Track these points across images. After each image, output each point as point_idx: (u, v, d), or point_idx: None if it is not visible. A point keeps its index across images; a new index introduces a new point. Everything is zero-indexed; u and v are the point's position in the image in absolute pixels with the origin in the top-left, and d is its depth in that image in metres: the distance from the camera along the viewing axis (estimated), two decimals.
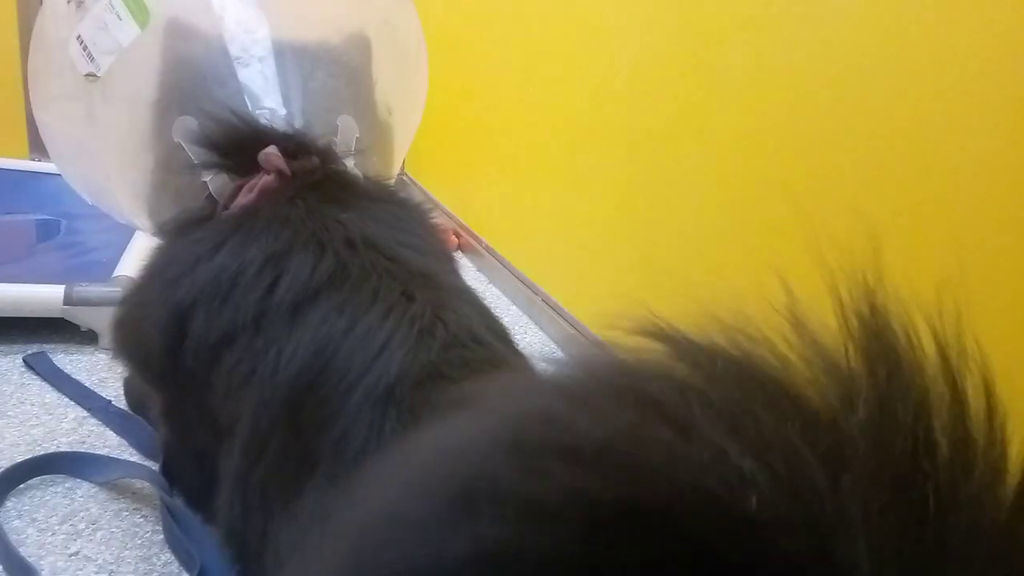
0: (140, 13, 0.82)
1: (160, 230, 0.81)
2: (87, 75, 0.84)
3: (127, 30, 0.82)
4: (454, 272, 0.78)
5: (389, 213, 0.78)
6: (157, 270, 0.76)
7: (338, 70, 0.89)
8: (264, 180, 0.76)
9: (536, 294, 1.35)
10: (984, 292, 0.63)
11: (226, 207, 0.78)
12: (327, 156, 0.81)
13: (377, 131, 0.92)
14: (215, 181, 0.79)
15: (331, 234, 0.70)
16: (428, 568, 0.27)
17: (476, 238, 1.61)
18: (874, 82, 0.74)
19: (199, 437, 0.76)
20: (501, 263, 1.49)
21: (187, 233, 0.77)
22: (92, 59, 0.83)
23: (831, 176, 0.80)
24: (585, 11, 1.21)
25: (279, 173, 0.76)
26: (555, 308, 1.29)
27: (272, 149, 0.77)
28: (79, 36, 0.84)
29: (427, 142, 1.85)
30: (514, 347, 0.70)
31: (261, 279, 0.67)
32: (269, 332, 0.66)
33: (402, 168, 1.89)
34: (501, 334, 0.70)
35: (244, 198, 0.76)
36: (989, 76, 0.64)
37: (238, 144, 0.78)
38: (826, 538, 0.25)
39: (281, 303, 0.66)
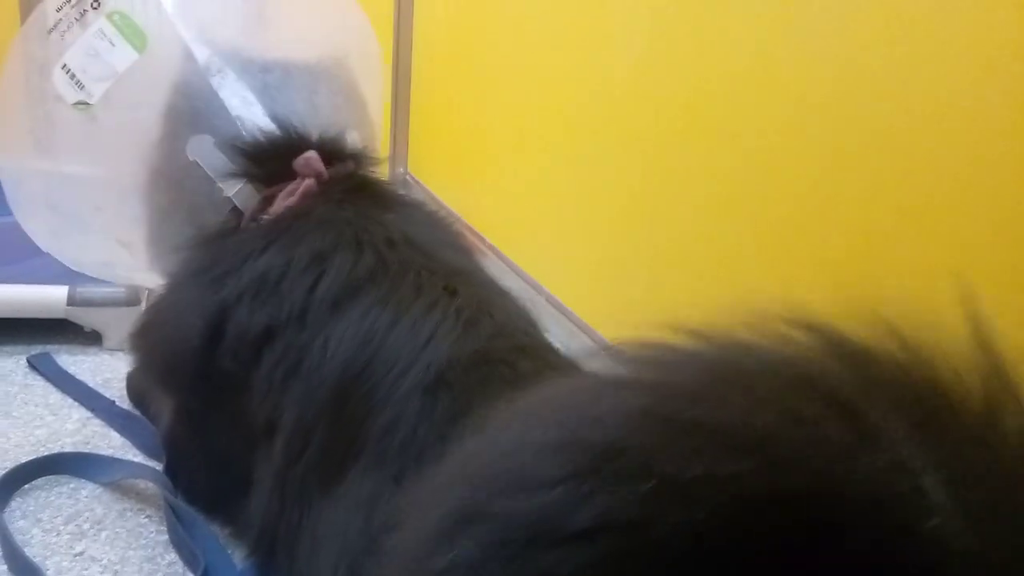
0: (136, 38, 0.82)
1: (186, 244, 0.81)
2: (76, 103, 0.83)
3: (122, 55, 0.82)
4: (484, 270, 0.79)
5: (424, 215, 0.80)
6: (193, 274, 0.77)
7: (338, 87, 0.91)
8: (306, 184, 0.78)
9: (540, 294, 1.35)
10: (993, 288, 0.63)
11: (253, 218, 0.79)
12: (360, 161, 0.83)
13: (373, 147, 0.93)
14: (241, 193, 0.81)
15: (373, 234, 0.72)
16: (548, 531, 0.25)
17: (479, 238, 1.61)
18: (884, 76, 0.74)
19: (225, 442, 0.76)
20: (505, 263, 1.49)
21: (217, 243, 0.78)
22: (82, 87, 0.82)
23: (842, 172, 0.80)
24: (589, 8, 1.21)
25: (317, 177, 0.78)
26: (559, 308, 1.29)
27: (312, 154, 0.79)
28: (64, 65, 0.83)
29: (430, 141, 1.85)
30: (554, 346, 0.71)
31: (306, 275, 0.69)
32: (312, 328, 0.67)
33: (405, 168, 1.89)
34: (541, 332, 0.71)
35: (283, 203, 0.77)
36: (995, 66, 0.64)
37: (271, 153, 0.80)
38: None
39: (323, 299, 0.68)
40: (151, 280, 1.02)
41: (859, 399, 0.26)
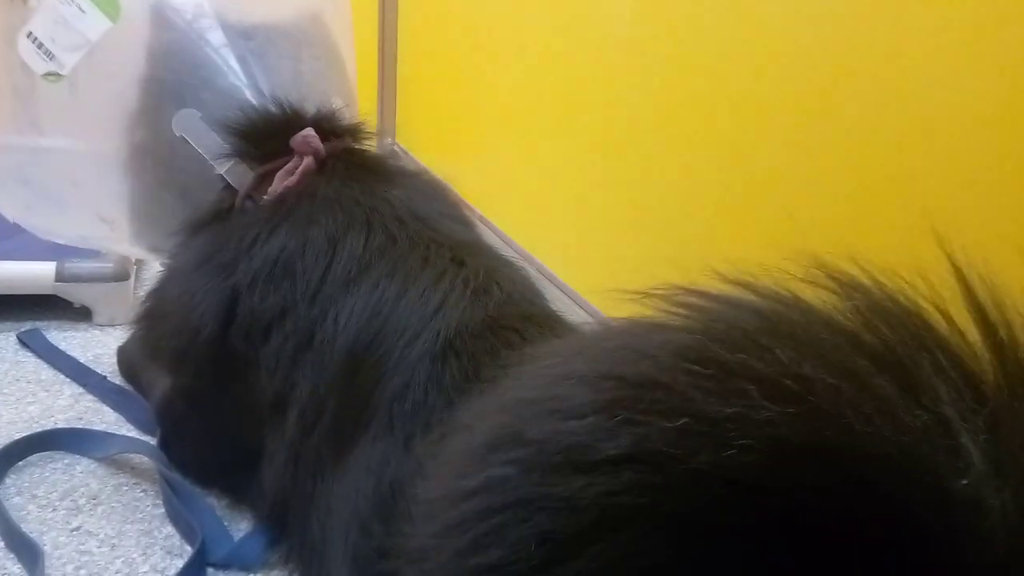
0: (108, 5, 0.79)
1: (182, 226, 0.80)
2: (47, 75, 0.81)
3: (94, 23, 0.79)
4: (488, 243, 0.80)
5: (426, 187, 0.80)
6: (199, 259, 0.76)
7: (318, 52, 0.89)
8: (306, 163, 0.77)
9: (531, 265, 1.34)
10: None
11: (249, 196, 0.78)
12: (356, 135, 0.83)
13: (355, 114, 0.92)
14: (234, 171, 0.80)
15: (382, 212, 0.73)
16: (578, 457, 0.26)
17: (469, 208, 1.60)
18: (872, 40, 0.74)
19: (230, 418, 0.77)
20: (495, 233, 1.49)
21: (216, 225, 0.78)
22: (52, 57, 0.80)
23: (829, 133, 0.79)
24: None
25: (315, 155, 0.77)
26: (550, 279, 1.29)
27: (309, 131, 0.78)
28: (30, 33, 0.80)
29: (418, 112, 1.83)
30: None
31: (321, 257, 0.69)
32: (325, 303, 0.68)
33: (393, 139, 1.88)
34: (545, 301, 0.72)
35: (283, 182, 0.76)
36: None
37: (266, 130, 0.79)
38: None
39: (336, 278, 0.68)
40: (133, 252, 1.01)
41: (908, 355, 0.26)
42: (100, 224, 0.90)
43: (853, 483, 0.24)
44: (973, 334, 0.27)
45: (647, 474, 0.25)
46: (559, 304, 1.25)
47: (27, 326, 1.13)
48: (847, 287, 0.28)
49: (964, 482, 0.23)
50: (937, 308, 0.28)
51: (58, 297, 1.14)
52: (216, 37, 0.81)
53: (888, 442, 0.24)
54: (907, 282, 0.28)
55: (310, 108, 0.81)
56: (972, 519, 0.23)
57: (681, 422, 0.25)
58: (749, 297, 0.30)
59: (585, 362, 0.30)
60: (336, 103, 0.86)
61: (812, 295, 0.29)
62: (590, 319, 1.16)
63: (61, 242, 0.98)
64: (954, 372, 0.25)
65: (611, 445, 0.25)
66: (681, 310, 0.31)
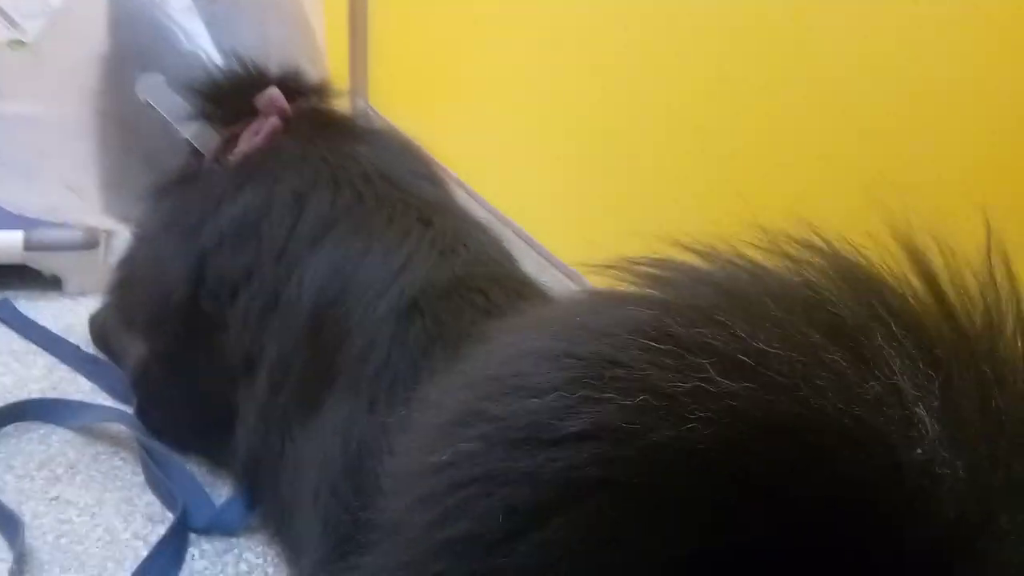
0: None
1: (149, 191, 0.79)
2: (11, 42, 0.79)
3: None
4: (459, 203, 0.79)
5: (396, 145, 0.79)
6: (166, 223, 0.76)
7: (284, 16, 0.88)
8: (271, 122, 0.76)
9: (508, 227, 1.34)
10: None
11: (216, 159, 0.77)
12: (322, 94, 0.82)
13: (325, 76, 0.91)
14: (200, 134, 0.78)
15: (348, 170, 0.72)
16: (541, 433, 0.26)
17: (441, 168, 1.59)
18: (846, 14, 0.74)
19: (205, 380, 0.77)
20: (472, 196, 1.48)
21: (183, 188, 0.77)
22: (14, 24, 0.78)
23: (797, 102, 0.80)
24: None
25: (281, 114, 0.76)
26: (528, 241, 1.29)
27: (274, 91, 0.77)
28: None
29: (391, 72, 1.80)
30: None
31: (287, 215, 0.69)
32: (290, 262, 0.67)
33: (365, 100, 1.85)
34: (515, 263, 0.71)
35: (249, 142, 0.76)
36: None
37: (230, 91, 0.78)
38: (992, 514, 0.23)
39: (302, 237, 0.67)
40: (104, 222, 1.00)
41: (861, 326, 0.26)
42: (68, 194, 0.89)
43: (809, 455, 0.24)
44: (926, 297, 0.27)
45: (607, 448, 0.25)
46: (535, 266, 1.26)
47: None
48: (802, 254, 0.29)
49: (918, 451, 0.24)
50: (890, 273, 0.28)
51: (28, 267, 1.13)
52: (179, 1, 0.79)
53: (842, 414, 0.24)
54: (859, 247, 0.29)
55: (274, 68, 0.80)
56: (927, 488, 0.24)
57: (639, 399, 0.25)
58: (706, 267, 0.31)
59: (546, 339, 0.30)
60: (304, 67, 0.85)
61: (768, 262, 0.29)
62: (566, 281, 1.17)
63: (30, 215, 0.96)
64: (907, 340, 0.26)
65: (571, 422, 0.26)
66: (642, 281, 0.32)
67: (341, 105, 0.85)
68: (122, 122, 0.82)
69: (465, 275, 0.63)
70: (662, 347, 0.26)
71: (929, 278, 0.27)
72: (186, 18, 0.80)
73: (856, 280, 0.28)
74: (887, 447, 0.24)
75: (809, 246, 0.29)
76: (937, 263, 0.28)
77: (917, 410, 0.24)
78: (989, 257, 0.28)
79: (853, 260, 0.29)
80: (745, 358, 0.25)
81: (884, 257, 0.28)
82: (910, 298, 0.27)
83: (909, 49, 0.68)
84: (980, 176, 0.62)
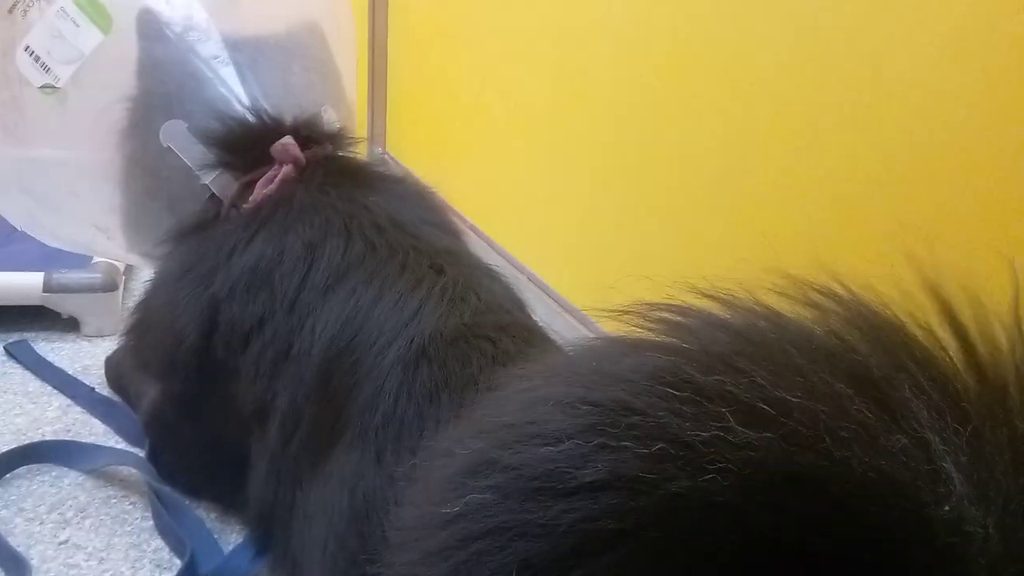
0: (101, 18, 0.80)
1: (168, 235, 0.81)
2: (43, 87, 0.81)
3: (88, 37, 0.80)
4: (471, 250, 0.80)
5: (409, 193, 0.80)
6: (182, 269, 0.76)
7: (310, 63, 0.90)
8: (284, 171, 0.77)
9: (522, 273, 1.34)
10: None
11: (234, 205, 0.78)
12: (338, 142, 0.83)
13: (350, 122, 0.92)
14: (218, 181, 0.80)
15: (361, 219, 0.72)
16: (556, 483, 0.26)
17: (456, 214, 1.60)
18: (865, 45, 0.74)
19: (218, 425, 0.77)
20: (485, 242, 1.49)
21: (200, 234, 0.78)
22: (48, 70, 0.80)
23: (816, 146, 0.80)
24: None
25: (295, 162, 0.78)
26: (541, 287, 1.29)
27: (288, 139, 0.78)
28: (27, 47, 0.81)
29: (408, 120, 1.83)
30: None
31: (298, 266, 0.69)
32: (302, 312, 0.68)
33: (383, 147, 1.88)
34: (527, 311, 0.72)
35: (262, 191, 0.77)
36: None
37: (246, 140, 0.79)
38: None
39: (314, 287, 0.68)
40: (131, 259, 1.02)
41: (887, 377, 0.25)
42: (98, 233, 0.90)
43: (832, 509, 0.23)
44: (955, 348, 0.27)
45: (625, 499, 0.25)
46: (548, 312, 1.26)
47: (15, 337, 1.13)
48: (824, 301, 0.28)
49: (946, 508, 0.23)
50: (916, 322, 0.27)
51: (46, 308, 1.14)
52: (205, 49, 0.81)
53: (867, 467, 0.23)
54: (883, 296, 0.28)
55: (289, 116, 0.81)
56: (955, 546, 0.23)
57: (657, 447, 0.25)
58: (726, 314, 0.30)
59: (561, 385, 0.30)
60: (325, 111, 0.86)
61: (790, 310, 0.28)
62: (579, 326, 1.16)
63: (65, 248, 0.98)
64: (934, 391, 0.25)
65: (587, 471, 0.25)
66: (658, 327, 0.31)
67: (358, 152, 0.86)
68: (145, 166, 0.83)
69: (474, 323, 0.63)
70: (680, 394, 0.26)
71: (958, 329, 0.27)
72: (217, 65, 0.82)
73: (881, 330, 0.27)
74: (914, 502, 0.23)
75: (831, 295, 0.29)
76: (965, 313, 0.27)
77: (945, 465, 0.23)
78: (1017, 307, 0.27)
79: (878, 310, 0.28)
80: (766, 407, 0.25)
81: (910, 306, 0.27)
82: (937, 349, 0.27)
83: (936, 92, 0.68)
84: (1006, 222, 0.62)
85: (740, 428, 0.24)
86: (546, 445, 0.27)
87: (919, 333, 0.27)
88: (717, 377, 0.26)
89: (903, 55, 0.70)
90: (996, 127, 0.63)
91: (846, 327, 0.28)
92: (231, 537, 0.81)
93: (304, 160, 0.79)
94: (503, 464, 0.27)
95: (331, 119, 0.87)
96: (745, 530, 0.24)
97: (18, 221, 0.94)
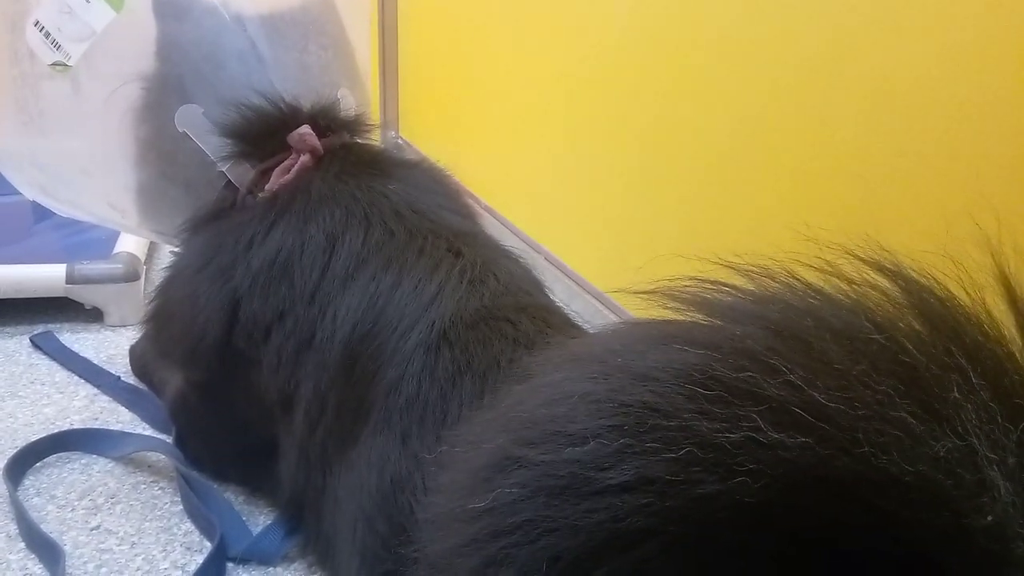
0: None
1: (186, 225, 0.81)
2: (53, 64, 0.80)
3: (99, 14, 0.78)
4: (488, 233, 0.80)
5: (425, 178, 0.80)
6: (202, 261, 0.77)
7: (326, 41, 0.89)
8: (302, 160, 0.77)
9: (539, 253, 1.34)
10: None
11: (250, 192, 0.78)
12: (355, 129, 0.82)
13: (365, 101, 0.92)
14: (235, 169, 0.80)
15: (379, 207, 0.73)
16: (582, 483, 0.25)
17: (472, 197, 1.60)
18: (876, 38, 0.73)
19: (241, 410, 0.78)
20: (502, 223, 1.49)
21: (217, 223, 0.78)
22: (58, 47, 0.79)
23: (831, 130, 0.79)
24: None
25: (312, 152, 0.77)
26: (559, 267, 1.29)
27: (305, 129, 0.78)
28: (37, 22, 0.79)
29: (420, 102, 1.83)
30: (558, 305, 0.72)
31: (320, 256, 0.69)
32: (323, 302, 0.68)
33: (396, 131, 1.87)
34: (545, 292, 0.72)
35: (279, 180, 0.77)
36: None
37: (264, 129, 0.79)
38: None
39: (334, 276, 0.68)
40: (144, 234, 1.01)
41: (936, 377, 0.24)
42: (111, 210, 0.90)
43: (868, 516, 0.23)
44: (1013, 336, 0.25)
45: (652, 499, 0.24)
46: (567, 293, 1.26)
47: (40, 329, 1.15)
48: (871, 281, 0.27)
49: (988, 519, 0.22)
50: (973, 306, 0.25)
51: (70, 299, 1.15)
52: (219, 28, 0.81)
53: (906, 474, 0.22)
54: (937, 274, 0.26)
55: (306, 103, 0.81)
56: (995, 559, 0.22)
57: (684, 451, 0.24)
58: (760, 300, 0.29)
59: (586, 382, 0.29)
60: (341, 94, 0.86)
61: (832, 291, 0.27)
62: (599, 306, 1.16)
63: (80, 217, 0.97)
64: (985, 391, 0.24)
65: (613, 473, 0.25)
66: (686, 308, 0.30)
67: (374, 138, 0.86)
68: (160, 150, 0.83)
69: (494, 305, 0.64)
70: (709, 393, 0.25)
71: (1020, 313, 0.25)
72: (228, 46, 0.81)
73: (934, 316, 0.25)
74: (954, 513, 0.22)
75: (880, 270, 0.27)
76: None
77: (991, 472, 0.22)
78: None
79: (931, 290, 0.26)
80: (800, 410, 0.24)
81: (966, 285, 0.25)
82: (994, 341, 0.25)
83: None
84: None
85: (771, 431, 0.23)
86: (571, 445, 0.26)
87: (976, 318, 0.25)
88: (748, 374, 0.25)
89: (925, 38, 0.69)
90: None
91: (895, 313, 0.26)
92: (259, 519, 0.82)
93: (322, 149, 0.78)
94: (528, 461, 0.27)
95: (348, 103, 0.87)
96: (775, 534, 0.23)
97: (30, 193, 0.93)
